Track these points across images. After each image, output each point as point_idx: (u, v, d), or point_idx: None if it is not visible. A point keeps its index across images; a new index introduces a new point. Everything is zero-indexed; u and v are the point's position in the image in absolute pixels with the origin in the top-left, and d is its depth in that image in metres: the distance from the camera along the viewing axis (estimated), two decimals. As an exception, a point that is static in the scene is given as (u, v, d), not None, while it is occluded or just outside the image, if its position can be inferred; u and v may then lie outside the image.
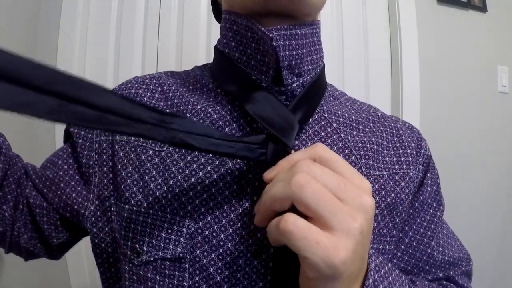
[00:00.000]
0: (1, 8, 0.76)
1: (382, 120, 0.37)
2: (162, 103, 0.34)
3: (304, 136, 0.32)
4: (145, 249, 0.29)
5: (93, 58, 0.88)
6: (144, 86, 0.35)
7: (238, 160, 0.30)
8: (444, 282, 0.36)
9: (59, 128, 0.85)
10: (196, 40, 0.89)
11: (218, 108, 0.32)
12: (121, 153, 0.32)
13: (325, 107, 0.35)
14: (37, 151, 0.86)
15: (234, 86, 0.31)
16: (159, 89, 0.35)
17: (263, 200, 0.23)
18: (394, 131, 0.37)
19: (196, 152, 0.30)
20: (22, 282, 0.79)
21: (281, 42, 0.28)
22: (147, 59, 0.88)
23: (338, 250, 0.19)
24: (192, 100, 0.33)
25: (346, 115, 0.35)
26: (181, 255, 0.28)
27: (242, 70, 0.31)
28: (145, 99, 0.34)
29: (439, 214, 0.37)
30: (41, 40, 0.87)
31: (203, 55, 0.89)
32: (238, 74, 0.31)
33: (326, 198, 0.20)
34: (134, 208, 0.30)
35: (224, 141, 0.25)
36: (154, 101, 0.34)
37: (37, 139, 0.86)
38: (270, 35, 0.27)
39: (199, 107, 0.33)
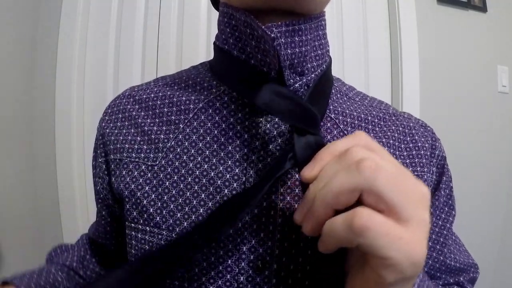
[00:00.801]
0: (1, 8, 0.76)
1: (393, 118, 0.35)
2: (150, 112, 0.33)
3: None
4: None
5: (93, 58, 0.88)
6: (131, 99, 0.35)
7: (236, 168, 0.28)
8: (455, 287, 0.36)
9: (59, 128, 0.85)
10: (196, 40, 0.89)
11: (210, 111, 0.31)
12: (117, 172, 0.31)
13: (331, 106, 0.32)
14: (37, 151, 0.86)
15: (238, 82, 0.29)
16: (144, 97, 0.34)
17: (321, 197, 0.19)
18: (406, 130, 0.34)
19: (191, 165, 0.29)
20: (22, 282, 0.79)
21: (282, 40, 0.26)
22: (147, 59, 0.88)
23: (419, 245, 0.17)
24: (183, 107, 0.31)
25: (355, 113, 0.33)
26: (179, 274, 0.27)
27: (245, 64, 0.28)
28: (134, 113, 0.33)
29: (451, 219, 0.36)
30: (41, 40, 0.87)
31: (203, 55, 0.89)
32: (241, 69, 0.29)
33: (399, 185, 0.18)
34: (132, 225, 0.29)
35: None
36: (143, 113, 0.33)
37: (38, 139, 0.86)
38: (272, 35, 0.25)
39: (191, 115, 0.31)
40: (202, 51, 0.89)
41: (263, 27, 0.25)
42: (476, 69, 1.07)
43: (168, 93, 0.33)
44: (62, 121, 0.85)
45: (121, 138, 0.32)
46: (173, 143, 0.30)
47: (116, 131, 0.33)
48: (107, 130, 0.33)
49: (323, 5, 0.29)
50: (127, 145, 0.32)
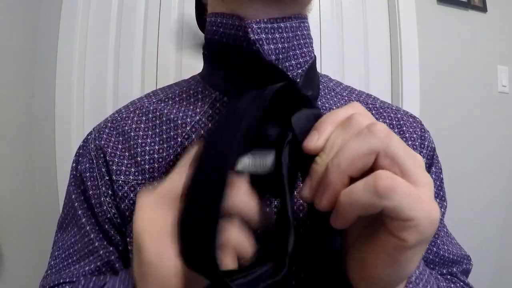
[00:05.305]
0: (1, 8, 0.76)
1: (381, 111, 0.35)
2: (150, 132, 0.33)
3: None
4: None
5: (93, 58, 0.88)
6: (129, 121, 0.35)
7: None
8: (449, 277, 0.36)
9: (60, 129, 0.85)
10: (196, 40, 0.89)
11: (206, 122, 0.32)
12: (120, 193, 0.32)
13: (319, 102, 0.33)
14: (37, 151, 0.86)
15: (227, 86, 0.30)
16: (144, 118, 0.34)
17: (335, 166, 0.18)
18: (394, 122, 0.35)
19: None
20: (22, 282, 0.79)
21: (263, 36, 0.27)
22: (147, 59, 0.88)
23: (434, 204, 0.17)
24: (180, 122, 0.32)
25: None
26: None
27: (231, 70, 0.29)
28: (132, 133, 0.33)
29: (442, 210, 0.36)
30: (41, 40, 0.87)
31: (203, 55, 0.89)
32: (227, 73, 0.30)
33: (407, 149, 0.18)
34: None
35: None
36: (141, 133, 0.33)
37: (38, 139, 0.86)
38: (252, 37, 0.26)
39: (188, 128, 0.32)
40: (202, 51, 0.89)
41: (236, 22, 0.26)
42: (476, 69, 1.07)
43: (165, 111, 0.34)
44: (62, 121, 0.85)
45: (125, 161, 0.32)
46: (172, 158, 0.31)
47: (117, 152, 0.33)
48: (108, 150, 0.33)
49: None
50: (124, 168, 0.32)
